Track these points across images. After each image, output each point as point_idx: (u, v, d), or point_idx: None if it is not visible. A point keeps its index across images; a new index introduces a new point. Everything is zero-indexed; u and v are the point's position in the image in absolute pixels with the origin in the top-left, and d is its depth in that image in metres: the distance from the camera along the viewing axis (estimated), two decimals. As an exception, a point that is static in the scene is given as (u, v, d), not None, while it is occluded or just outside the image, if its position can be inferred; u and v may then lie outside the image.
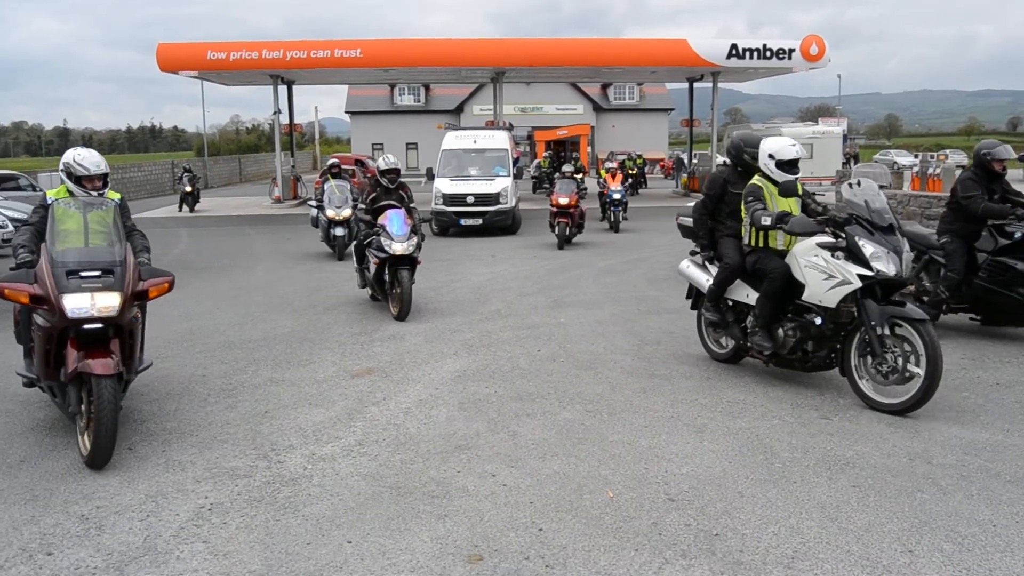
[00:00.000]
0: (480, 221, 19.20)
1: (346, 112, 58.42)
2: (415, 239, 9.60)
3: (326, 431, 5.61)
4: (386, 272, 9.62)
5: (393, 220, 9.59)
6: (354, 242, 11.11)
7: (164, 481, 4.74)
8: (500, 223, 19.36)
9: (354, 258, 10.73)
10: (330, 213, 15.29)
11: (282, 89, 30.54)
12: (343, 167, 18.08)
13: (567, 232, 16.59)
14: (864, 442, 5.25)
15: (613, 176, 19.72)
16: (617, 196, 19.29)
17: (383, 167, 10.29)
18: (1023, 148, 45.04)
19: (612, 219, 19.42)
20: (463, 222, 19.25)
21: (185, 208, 27.43)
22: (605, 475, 4.78)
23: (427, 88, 57.48)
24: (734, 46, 27.17)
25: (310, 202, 17.70)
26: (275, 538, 4.01)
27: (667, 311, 9.74)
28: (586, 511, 4.30)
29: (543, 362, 7.46)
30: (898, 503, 4.35)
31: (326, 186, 16.02)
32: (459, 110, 55.89)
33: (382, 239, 9.48)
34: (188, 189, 27.28)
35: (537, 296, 10.94)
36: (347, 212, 15.08)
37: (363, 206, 10.38)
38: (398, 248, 9.36)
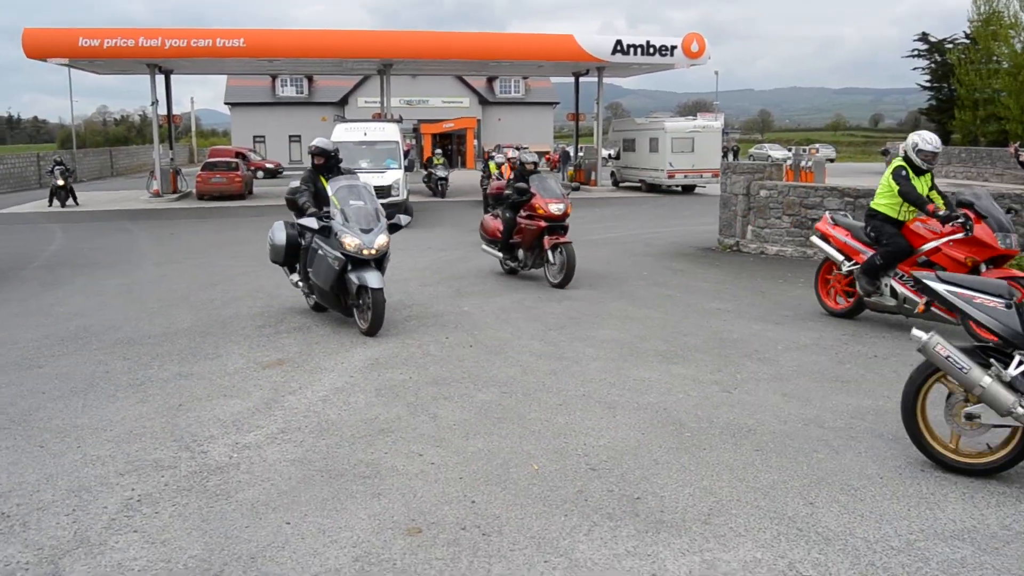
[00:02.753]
0: None
1: (226, 103, 56.57)
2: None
3: (246, 421, 5.60)
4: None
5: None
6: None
7: (85, 476, 4.65)
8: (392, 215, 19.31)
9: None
10: None
11: (159, 79, 29.37)
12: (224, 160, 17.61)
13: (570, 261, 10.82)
14: (762, 412, 5.68)
15: (513, 167, 19.95)
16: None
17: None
18: (883, 144, 47.88)
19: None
20: None
21: (56, 203, 26.05)
22: (528, 450, 5.00)
23: (310, 79, 56.34)
24: (619, 42, 27.97)
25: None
26: (211, 524, 4.03)
27: (568, 298, 10.07)
28: (514, 483, 4.51)
29: (453, 348, 7.62)
30: (797, 463, 4.77)
31: None
32: (344, 102, 55.09)
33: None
34: (60, 183, 25.93)
35: (438, 286, 11.07)
36: None
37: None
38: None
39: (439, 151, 31.26)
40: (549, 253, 10.81)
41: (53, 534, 3.95)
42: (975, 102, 48.40)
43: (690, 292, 10.32)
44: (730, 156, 43.50)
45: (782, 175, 15.67)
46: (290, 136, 56.11)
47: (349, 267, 8.04)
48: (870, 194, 12.17)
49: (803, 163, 25.27)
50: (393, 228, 8.64)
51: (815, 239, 9.24)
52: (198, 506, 4.24)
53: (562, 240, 10.79)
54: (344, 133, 21.31)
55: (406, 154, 21.88)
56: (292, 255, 9.21)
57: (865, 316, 8.79)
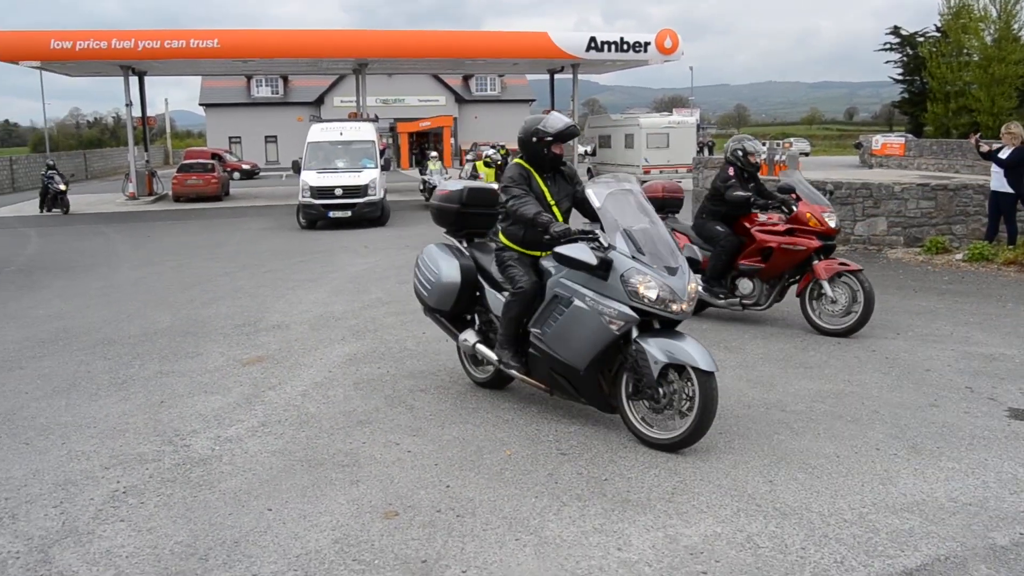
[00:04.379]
0: (349, 213, 19.21)
1: (200, 104, 56.31)
2: None
3: (227, 415, 5.75)
4: None
5: None
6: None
7: (70, 470, 4.79)
8: (369, 215, 19.43)
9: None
10: None
11: (132, 80, 29.26)
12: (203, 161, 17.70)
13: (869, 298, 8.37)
14: (727, 397, 5.88)
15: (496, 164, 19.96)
16: None
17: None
18: (856, 137, 48.42)
19: None
20: (332, 214, 19.20)
21: (57, 210, 24.66)
22: (501, 437, 5.19)
23: (286, 80, 56.20)
24: (593, 39, 28.17)
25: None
26: (196, 512, 4.19)
27: (542, 292, 10.26)
28: (488, 468, 4.69)
29: (430, 343, 7.79)
30: (758, 444, 4.98)
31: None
32: (319, 102, 55.00)
33: None
34: (63, 188, 24.51)
35: (416, 283, 11.22)
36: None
37: None
38: None
39: (434, 153, 26.13)
40: (826, 286, 7.72)
41: (42, 525, 4.09)
42: (947, 95, 49.19)
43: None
44: (706, 151, 43.90)
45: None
46: (266, 137, 55.98)
47: (634, 332, 4.96)
48: (841, 186, 12.48)
49: (777, 157, 25.63)
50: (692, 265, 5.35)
51: None
52: (182, 496, 4.39)
53: (851, 267, 7.70)
54: (320, 133, 21.36)
55: (382, 153, 21.99)
56: (467, 300, 6.08)
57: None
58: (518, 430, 5.32)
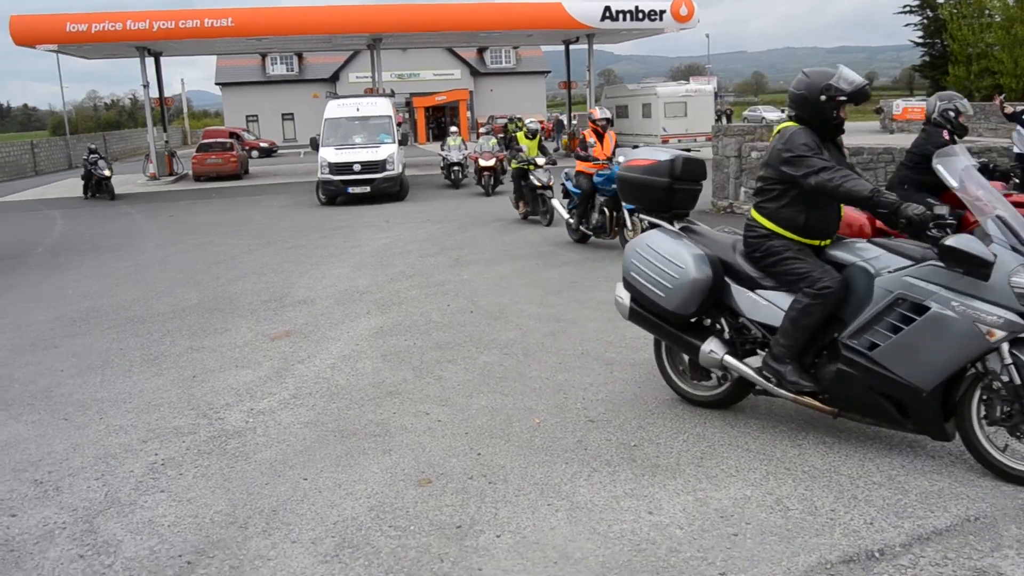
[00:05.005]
0: (368, 189, 19.25)
1: (216, 84, 56.34)
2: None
3: (258, 388, 5.84)
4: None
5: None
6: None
7: (110, 444, 4.90)
8: (388, 190, 19.46)
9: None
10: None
11: (148, 61, 29.34)
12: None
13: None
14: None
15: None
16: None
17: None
18: (876, 102, 48.06)
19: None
20: (351, 190, 19.24)
21: (102, 195, 23.20)
22: (529, 406, 5.25)
23: (300, 57, 56.07)
24: (607, 8, 27.90)
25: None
26: (233, 483, 4.28)
27: (565, 263, 10.30)
28: (517, 436, 4.75)
29: (454, 315, 7.85)
30: (785, 409, 5.01)
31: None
32: (335, 78, 54.88)
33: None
34: (107, 174, 22.95)
35: (438, 256, 11.28)
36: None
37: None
38: None
39: (454, 128, 23.64)
40: None
41: (85, 496, 4.20)
42: (968, 57, 48.25)
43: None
44: (724, 119, 43.48)
45: (772, 136, 15.82)
46: (283, 115, 55.98)
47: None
48: (862, 151, 12.37)
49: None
50: None
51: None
52: (219, 467, 4.49)
53: None
54: (337, 109, 21.35)
55: (399, 127, 21.96)
56: (711, 302, 4.86)
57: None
58: (546, 399, 5.38)
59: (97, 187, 23.29)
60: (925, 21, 57.45)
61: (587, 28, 28.40)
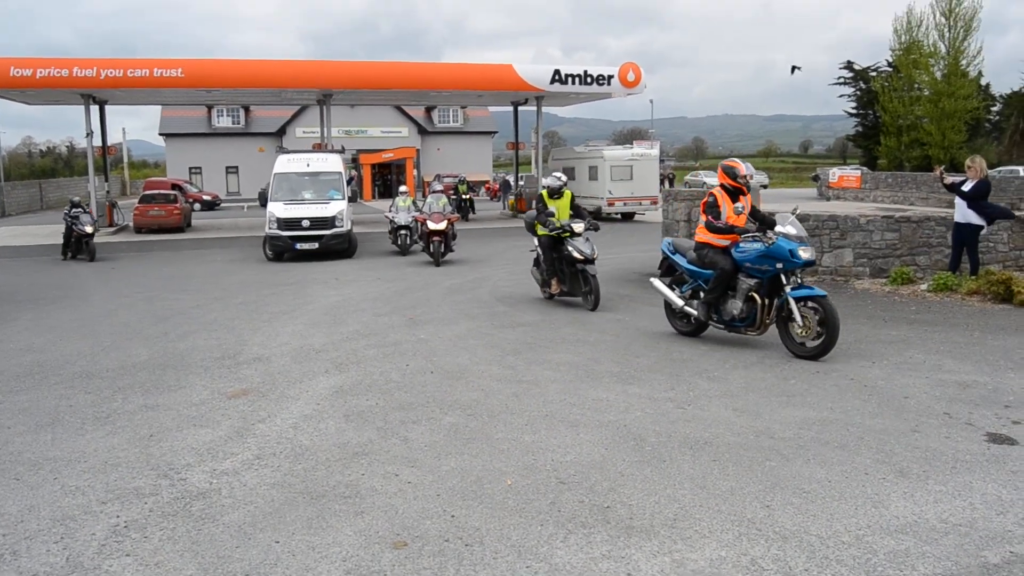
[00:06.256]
0: (316, 245, 19.17)
1: (160, 134, 55.80)
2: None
3: (220, 448, 5.72)
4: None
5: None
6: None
7: (67, 505, 4.73)
8: (337, 247, 19.40)
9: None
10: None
11: (93, 109, 28.94)
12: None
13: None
14: (716, 425, 6.02)
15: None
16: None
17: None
18: (814, 169, 49.59)
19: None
20: (299, 246, 19.14)
21: (82, 256, 20.16)
22: (499, 467, 5.24)
23: (247, 110, 56.00)
24: (557, 71, 28.62)
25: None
26: (202, 546, 4.17)
27: (521, 324, 10.36)
28: (490, 498, 4.74)
29: (415, 375, 7.82)
30: (752, 471, 5.10)
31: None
32: (281, 132, 54.88)
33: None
34: (89, 231, 20.12)
35: (392, 315, 11.25)
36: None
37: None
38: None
39: (404, 188, 21.48)
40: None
41: (46, 560, 4.04)
42: (899, 128, 50.64)
43: (638, 316, 10.69)
44: (666, 183, 44.58)
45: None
46: (227, 167, 55.64)
47: None
48: (808, 218, 12.82)
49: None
50: None
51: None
52: (186, 529, 4.37)
53: None
54: (287, 164, 21.32)
55: (348, 183, 21.97)
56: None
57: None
58: (515, 460, 5.38)
59: (77, 246, 20.40)
60: (858, 93, 60.21)
61: (537, 91, 29.02)
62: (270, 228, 19.33)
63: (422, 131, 57.81)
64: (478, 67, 30.19)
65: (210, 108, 54.60)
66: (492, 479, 5.04)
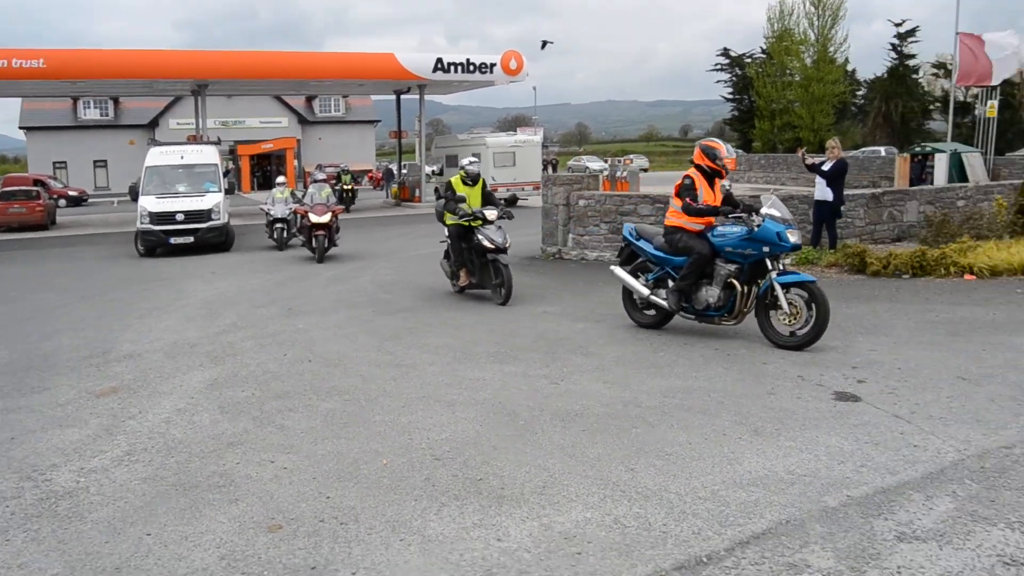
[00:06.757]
0: (192, 239, 18.56)
1: (20, 128, 52.57)
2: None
3: (87, 447, 5.57)
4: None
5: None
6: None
7: (-81, 514, 4.53)
8: (213, 240, 18.83)
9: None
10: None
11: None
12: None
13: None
14: (587, 398, 6.27)
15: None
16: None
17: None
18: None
19: None
20: (173, 240, 18.46)
21: None
22: (375, 448, 5.32)
23: (116, 101, 53.41)
24: (439, 60, 28.59)
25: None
26: (68, 544, 4.09)
27: (401, 310, 10.41)
28: (365, 478, 4.82)
29: (292, 364, 7.78)
30: (619, 438, 5.36)
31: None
32: (154, 124, 52.63)
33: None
34: None
35: (270, 307, 11.09)
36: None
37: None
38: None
39: (282, 179, 20.49)
40: None
41: None
42: (772, 112, 52.84)
43: (516, 298, 10.86)
44: (549, 169, 45.21)
45: (599, 185, 16.72)
46: (95, 162, 52.99)
47: None
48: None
49: (618, 173, 26.75)
50: None
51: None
52: (51, 529, 4.26)
53: None
54: (159, 157, 20.55)
55: (225, 175, 21.38)
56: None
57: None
58: (391, 441, 5.47)
59: None
60: (734, 79, 62.50)
61: (419, 79, 28.93)
62: (142, 223, 18.60)
63: (303, 121, 56.62)
64: (359, 56, 29.81)
65: (76, 100, 51.83)
66: (368, 460, 5.11)
